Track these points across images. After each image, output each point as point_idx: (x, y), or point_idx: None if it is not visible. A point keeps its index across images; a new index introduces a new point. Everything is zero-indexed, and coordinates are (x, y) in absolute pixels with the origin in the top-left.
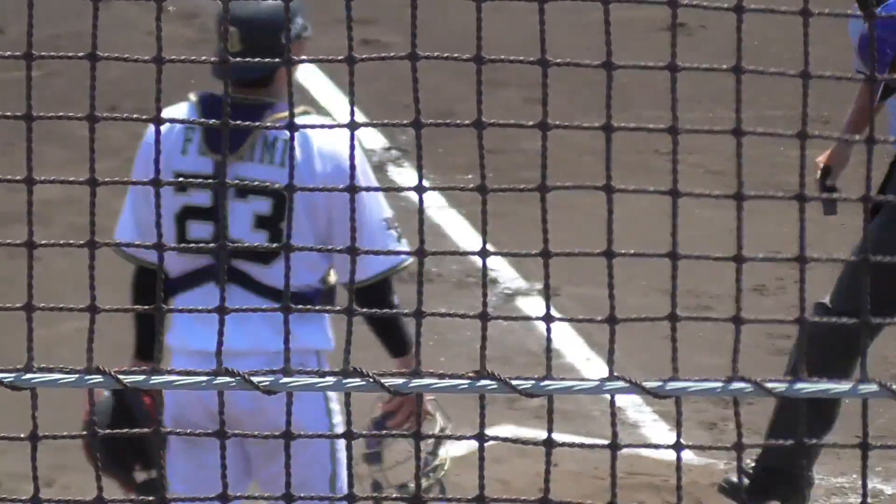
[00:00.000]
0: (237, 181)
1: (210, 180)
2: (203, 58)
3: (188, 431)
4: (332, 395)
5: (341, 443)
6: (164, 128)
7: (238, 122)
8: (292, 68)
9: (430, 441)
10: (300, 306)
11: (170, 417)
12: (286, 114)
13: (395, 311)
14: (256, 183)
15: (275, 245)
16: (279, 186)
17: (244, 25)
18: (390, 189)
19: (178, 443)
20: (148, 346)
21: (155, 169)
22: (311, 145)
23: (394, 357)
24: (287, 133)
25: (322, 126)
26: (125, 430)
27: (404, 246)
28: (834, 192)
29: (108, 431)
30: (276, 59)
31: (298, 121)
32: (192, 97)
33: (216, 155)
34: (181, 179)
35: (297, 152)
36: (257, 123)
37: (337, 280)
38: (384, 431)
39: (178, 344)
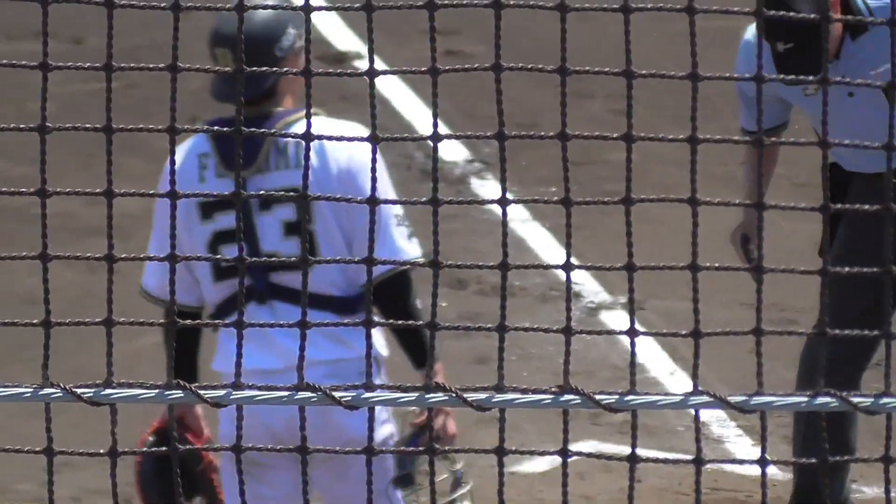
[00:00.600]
0: (261, 193)
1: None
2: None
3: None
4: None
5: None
6: (180, 160)
7: (252, 130)
8: (293, 79)
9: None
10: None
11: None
12: (293, 118)
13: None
14: (279, 192)
15: (293, 259)
16: (297, 195)
17: (233, 43)
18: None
19: (233, 474)
20: (182, 375)
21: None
22: (323, 146)
23: (416, 369)
24: (300, 150)
25: (339, 138)
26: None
27: (414, 244)
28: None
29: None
30: (270, 69)
31: (303, 122)
32: (201, 126)
33: (229, 171)
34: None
35: (311, 155)
36: (272, 131)
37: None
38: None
39: (225, 368)
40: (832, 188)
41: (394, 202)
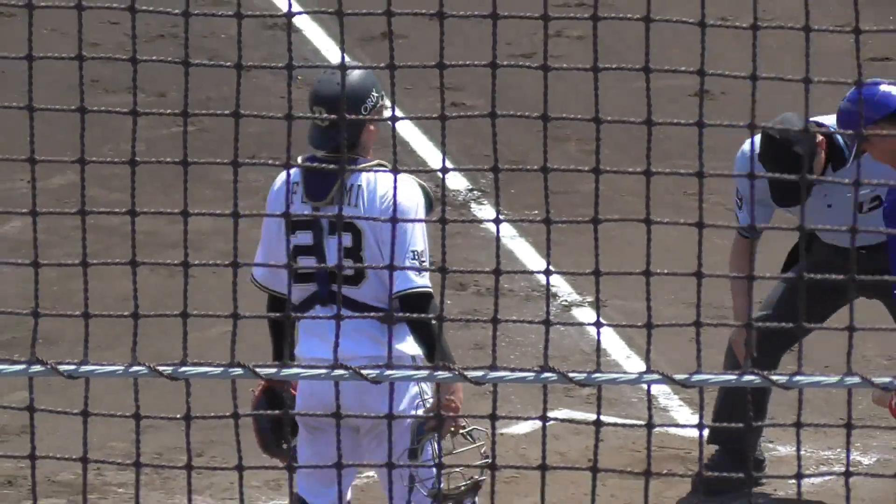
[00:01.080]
0: (330, 223)
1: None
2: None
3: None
4: (427, 390)
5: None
6: (279, 183)
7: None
8: (375, 130)
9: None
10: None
11: (299, 411)
12: (364, 165)
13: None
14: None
15: (327, 265)
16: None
17: (328, 104)
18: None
19: (304, 433)
20: (279, 353)
21: (286, 204)
22: (375, 191)
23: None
24: (360, 180)
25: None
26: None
27: (423, 277)
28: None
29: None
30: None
31: (368, 179)
32: (299, 159)
33: (313, 201)
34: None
35: (366, 195)
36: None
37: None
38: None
39: (301, 355)
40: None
41: (412, 220)
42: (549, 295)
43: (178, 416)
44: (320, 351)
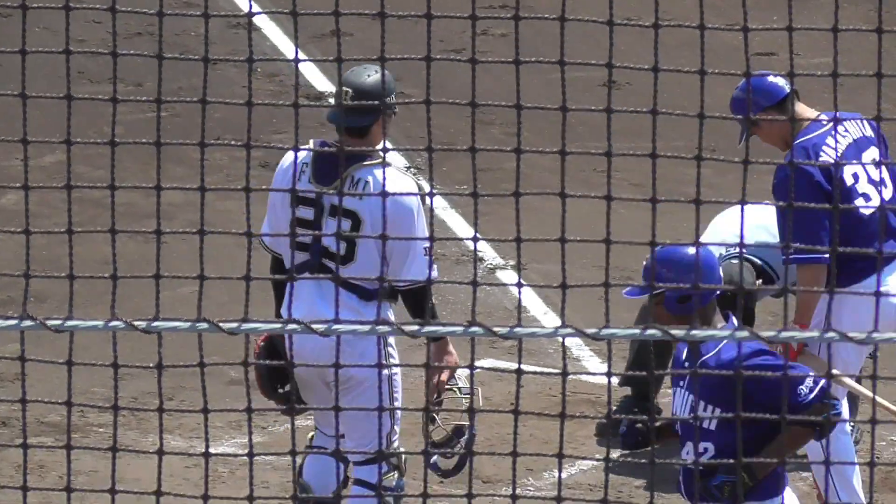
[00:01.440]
0: (331, 206)
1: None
2: (280, 102)
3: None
4: (394, 354)
5: (399, 387)
6: (290, 160)
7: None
8: (379, 132)
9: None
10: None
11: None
12: (372, 162)
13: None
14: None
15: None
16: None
17: (355, 88)
18: (409, 194)
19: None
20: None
21: (292, 180)
22: (381, 186)
23: (433, 342)
24: (368, 176)
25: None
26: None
27: (434, 270)
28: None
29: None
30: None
31: (377, 168)
32: (311, 143)
33: (318, 185)
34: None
35: (372, 190)
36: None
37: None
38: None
39: (286, 315)
40: None
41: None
42: (476, 259)
43: (152, 365)
44: (301, 313)
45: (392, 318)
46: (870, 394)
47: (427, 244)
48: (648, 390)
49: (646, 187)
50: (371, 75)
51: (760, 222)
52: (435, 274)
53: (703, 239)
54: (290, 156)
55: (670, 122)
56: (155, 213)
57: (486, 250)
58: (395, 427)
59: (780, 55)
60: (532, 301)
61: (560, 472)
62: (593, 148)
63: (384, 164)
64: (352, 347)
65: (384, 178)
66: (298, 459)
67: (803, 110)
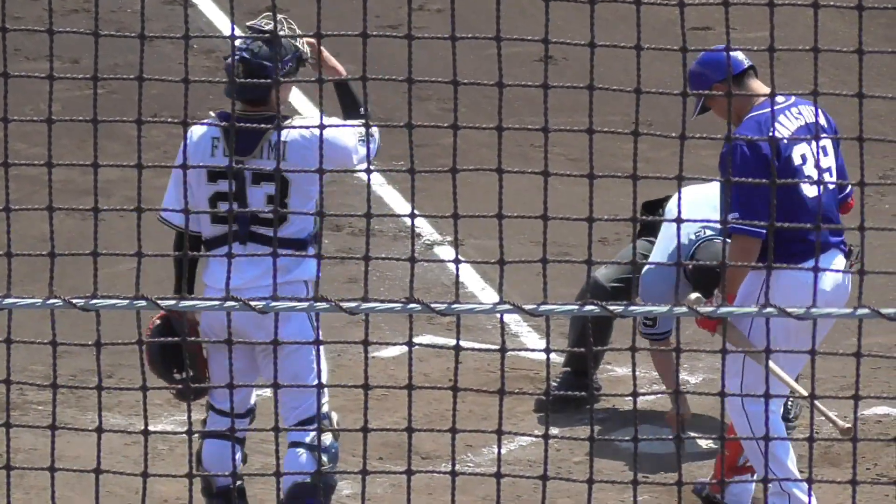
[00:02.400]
0: (253, 175)
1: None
2: (217, 79)
3: (212, 341)
4: (312, 319)
5: (323, 350)
6: (197, 136)
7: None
8: (284, 91)
9: None
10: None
11: (203, 333)
12: (283, 124)
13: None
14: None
15: (269, 217)
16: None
17: (245, 63)
18: (346, 171)
19: (211, 351)
20: (179, 286)
21: (184, 160)
22: (297, 144)
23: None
24: (283, 136)
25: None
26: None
27: (373, 142)
28: None
29: (154, 340)
30: (268, 81)
31: (291, 133)
32: (212, 114)
33: (237, 156)
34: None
35: (291, 151)
36: (268, 127)
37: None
38: None
39: (210, 282)
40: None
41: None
42: (413, 235)
43: (90, 342)
44: (234, 280)
45: (314, 271)
46: (804, 391)
47: (355, 135)
48: (587, 366)
49: (582, 162)
50: (259, 47)
51: (712, 202)
52: (375, 146)
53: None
54: (196, 130)
55: (606, 96)
56: (92, 190)
57: (423, 226)
58: (324, 389)
59: (717, 29)
60: (470, 277)
61: (500, 448)
62: (530, 123)
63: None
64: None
65: (299, 132)
66: (196, 445)
67: (759, 87)
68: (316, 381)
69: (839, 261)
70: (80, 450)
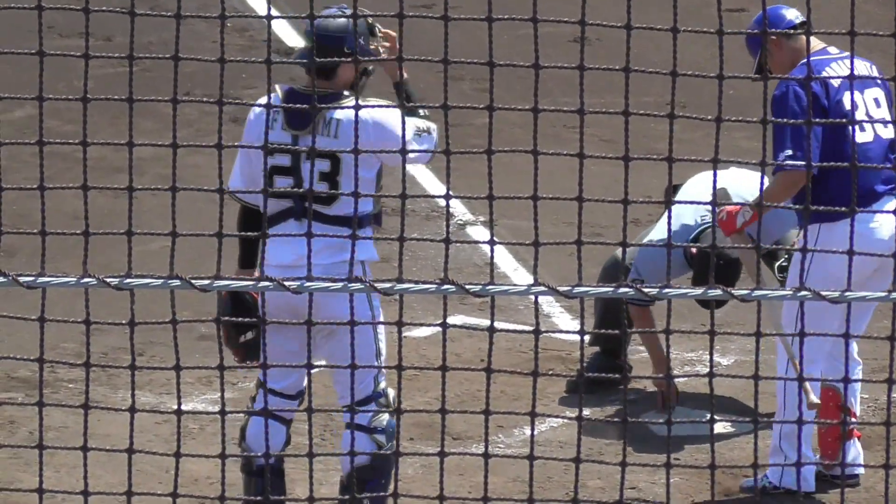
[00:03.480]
0: (308, 149)
1: (292, 147)
2: (252, 59)
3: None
4: (375, 295)
5: (382, 329)
6: (258, 109)
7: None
8: (350, 71)
9: None
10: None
11: (267, 309)
12: (342, 102)
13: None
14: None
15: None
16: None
17: (321, 29)
18: (381, 151)
19: (270, 328)
20: (245, 260)
21: (265, 134)
22: (351, 124)
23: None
24: (337, 114)
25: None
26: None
27: (433, 138)
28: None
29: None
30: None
31: (343, 114)
32: (278, 88)
33: (293, 130)
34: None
35: (344, 126)
36: (324, 106)
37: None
38: None
39: (270, 259)
40: None
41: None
42: (448, 215)
43: (123, 321)
44: (283, 257)
45: (374, 252)
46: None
47: (420, 125)
48: (618, 347)
49: (616, 143)
50: (337, 19)
51: (735, 191)
52: (433, 144)
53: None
54: (259, 103)
55: (639, 78)
56: (125, 168)
57: (455, 206)
58: (382, 369)
59: (752, 10)
60: (503, 257)
61: (532, 429)
62: (564, 104)
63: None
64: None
65: (356, 113)
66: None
67: (814, 43)
68: (374, 361)
69: (892, 206)
70: (110, 428)
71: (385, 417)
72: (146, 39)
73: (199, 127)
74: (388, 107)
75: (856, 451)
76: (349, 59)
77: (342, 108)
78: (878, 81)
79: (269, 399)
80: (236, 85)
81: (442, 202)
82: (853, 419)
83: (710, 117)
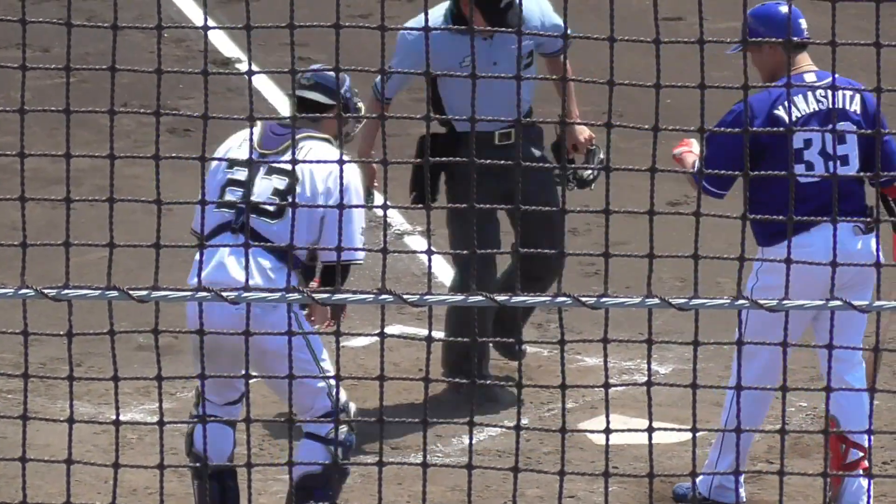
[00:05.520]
0: (269, 167)
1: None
2: (189, 70)
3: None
4: (298, 310)
5: (316, 339)
6: (243, 136)
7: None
8: (334, 124)
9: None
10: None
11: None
12: (313, 135)
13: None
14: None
15: (271, 209)
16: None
17: (317, 74)
18: (319, 161)
19: (206, 355)
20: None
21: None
22: (322, 166)
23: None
24: (307, 150)
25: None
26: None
27: (361, 252)
28: None
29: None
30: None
31: (317, 144)
32: (258, 124)
33: (263, 150)
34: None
35: (312, 156)
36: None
37: (318, 258)
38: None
39: (203, 278)
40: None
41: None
42: (385, 225)
43: (62, 332)
44: (217, 276)
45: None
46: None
47: (363, 224)
48: (464, 361)
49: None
50: (320, 81)
51: None
52: (362, 256)
53: None
54: (243, 134)
55: (576, 86)
56: (63, 179)
57: (393, 216)
58: (330, 382)
59: (689, 19)
60: (441, 267)
61: (471, 438)
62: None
63: (328, 141)
64: (260, 323)
65: (323, 150)
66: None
67: (801, 60)
68: (317, 382)
69: (842, 234)
70: (49, 438)
71: (344, 430)
72: (83, 51)
73: (137, 138)
74: (354, 185)
75: (859, 484)
76: (332, 115)
77: (315, 138)
78: (854, 113)
79: (214, 409)
80: (172, 96)
81: (379, 212)
82: (858, 451)
83: (647, 126)
